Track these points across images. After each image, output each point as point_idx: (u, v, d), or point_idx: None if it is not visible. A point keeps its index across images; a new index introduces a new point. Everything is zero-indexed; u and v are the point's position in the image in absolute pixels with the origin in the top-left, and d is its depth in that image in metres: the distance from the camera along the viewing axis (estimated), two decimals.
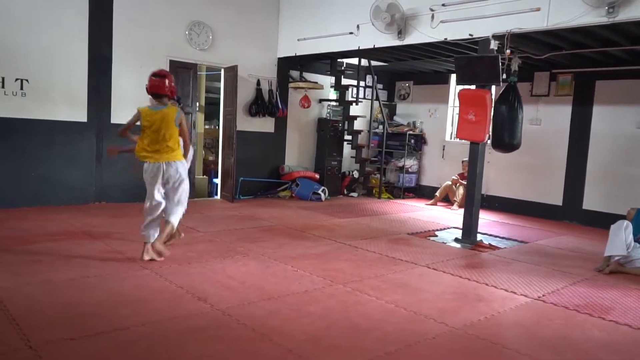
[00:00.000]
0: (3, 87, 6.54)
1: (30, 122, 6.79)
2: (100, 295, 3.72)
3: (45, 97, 6.89)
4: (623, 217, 5.49)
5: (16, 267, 4.24)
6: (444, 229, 7.27)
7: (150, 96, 4.70)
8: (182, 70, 8.14)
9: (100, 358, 2.78)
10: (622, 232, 5.18)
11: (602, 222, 7.02)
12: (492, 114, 6.14)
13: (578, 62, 7.85)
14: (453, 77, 9.96)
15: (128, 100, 7.58)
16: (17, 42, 6.59)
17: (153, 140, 4.56)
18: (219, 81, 9.01)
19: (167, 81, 4.59)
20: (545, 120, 8.68)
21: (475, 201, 6.35)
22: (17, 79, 6.62)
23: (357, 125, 10.18)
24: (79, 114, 7.19)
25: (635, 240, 5.23)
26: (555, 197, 8.60)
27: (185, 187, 4.75)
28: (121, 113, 7.52)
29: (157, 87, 4.59)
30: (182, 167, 4.71)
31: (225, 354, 2.92)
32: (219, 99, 8.91)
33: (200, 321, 3.36)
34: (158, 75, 4.61)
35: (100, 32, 7.26)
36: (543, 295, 4.34)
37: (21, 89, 6.66)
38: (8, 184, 6.70)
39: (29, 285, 3.82)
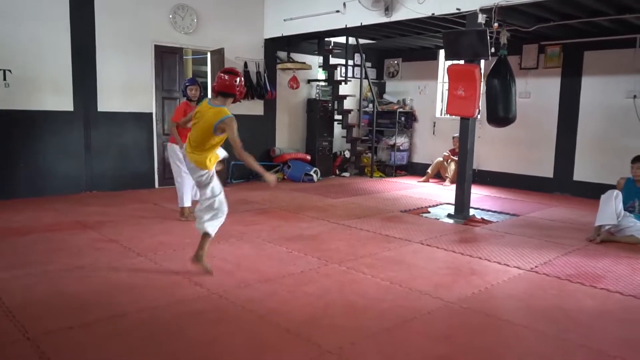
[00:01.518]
0: None
1: (16, 113, 6.70)
2: (96, 284, 3.72)
3: (29, 87, 6.78)
4: (613, 187, 5.55)
5: (11, 259, 4.23)
6: (437, 205, 7.31)
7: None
8: (167, 55, 8.04)
9: (99, 345, 2.79)
10: (612, 201, 5.23)
11: (593, 192, 7.08)
12: (481, 88, 6.14)
13: (566, 34, 7.83)
14: (442, 52, 9.91)
15: (114, 87, 7.51)
16: None
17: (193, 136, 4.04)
18: (206, 65, 8.91)
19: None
20: (535, 93, 8.68)
21: (466, 176, 6.37)
22: None
23: (347, 104, 10.15)
24: (65, 104, 7.10)
25: (625, 209, 5.30)
26: (546, 169, 8.66)
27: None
28: (108, 101, 7.46)
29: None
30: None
31: (224, 337, 2.94)
32: (207, 82, 8.82)
33: (198, 305, 3.38)
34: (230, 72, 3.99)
35: (82, 20, 7.13)
36: (536, 267, 4.40)
37: (4, 79, 6.55)
38: None
39: (24, 277, 3.81)
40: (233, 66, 3.97)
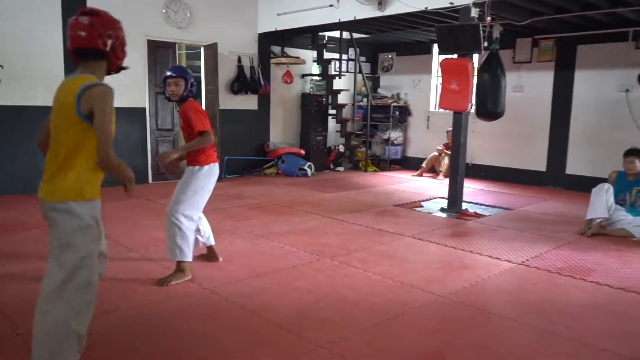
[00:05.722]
0: None
1: (8, 109, 6.67)
2: None
3: (22, 83, 6.74)
4: (605, 180, 5.57)
5: (3, 255, 4.22)
6: (430, 199, 7.33)
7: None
8: (161, 49, 8.01)
9: (89, 342, 2.79)
10: (603, 194, 5.26)
11: (585, 186, 7.10)
12: (474, 82, 6.14)
13: (559, 27, 7.84)
14: (436, 47, 9.91)
15: (107, 82, 7.46)
16: None
17: (51, 147, 2.37)
18: (200, 59, 8.88)
19: (100, 23, 2.35)
20: (528, 87, 8.70)
21: (459, 170, 6.39)
22: None
23: (341, 99, 10.13)
24: None
25: (616, 203, 5.33)
26: (539, 163, 8.69)
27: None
28: None
29: (80, 36, 2.31)
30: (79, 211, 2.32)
31: (215, 332, 2.95)
32: (200, 77, 8.79)
33: (189, 301, 3.39)
34: (86, 13, 2.40)
35: (74, 14, 7.07)
36: (527, 260, 4.43)
37: None
38: None
39: (16, 273, 3.81)
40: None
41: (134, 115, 7.80)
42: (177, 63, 8.57)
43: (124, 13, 7.35)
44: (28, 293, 3.45)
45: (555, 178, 8.51)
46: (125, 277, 3.79)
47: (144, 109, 7.90)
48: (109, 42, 2.29)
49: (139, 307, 3.27)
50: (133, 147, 7.81)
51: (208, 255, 4.20)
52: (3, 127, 6.66)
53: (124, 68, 2.52)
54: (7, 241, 4.68)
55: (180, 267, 3.73)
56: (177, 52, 8.49)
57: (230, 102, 8.84)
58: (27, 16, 6.70)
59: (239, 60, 8.93)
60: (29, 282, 3.64)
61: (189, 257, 3.73)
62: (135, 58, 7.71)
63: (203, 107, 8.51)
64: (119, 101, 7.70)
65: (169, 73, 3.77)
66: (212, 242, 4.14)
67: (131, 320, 3.09)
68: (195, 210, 3.78)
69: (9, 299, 3.33)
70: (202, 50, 8.56)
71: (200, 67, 8.87)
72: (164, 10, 7.91)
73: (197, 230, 4.01)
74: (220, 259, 4.20)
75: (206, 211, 4.24)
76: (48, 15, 6.86)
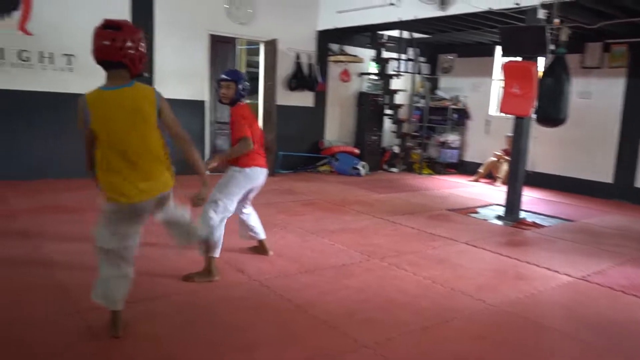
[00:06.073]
0: (52, 62, 6.75)
1: (77, 97, 6.98)
2: (142, 265, 3.81)
3: (91, 73, 6.89)
4: None
5: (61, 235, 4.42)
6: (486, 205, 7.11)
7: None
8: (222, 44, 8.19)
9: (139, 323, 2.88)
10: None
11: None
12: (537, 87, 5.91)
13: (633, 32, 7.41)
14: (498, 49, 9.61)
15: (170, 75, 7.69)
16: (62, 19, 6.75)
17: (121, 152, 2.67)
18: (259, 55, 9.00)
19: (122, 37, 2.51)
20: (596, 94, 8.28)
21: (518, 178, 6.17)
22: (64, 55, 6.81)
23: (398, 99, 10.02)
24: None
25: None
26: (605, 174, 8.25)
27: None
28: (163, 88, 7.56)
29: (105, 49, 2.54)
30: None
31: (260, 324, 2.97)
32: (259, 73, 8.91)
33: (238, 291, 3.44)
34: (109, 27, 2.56)
35: (142, 7, 7.34)
36: (587, 275, 4.21)
37: (69, 64, 6.85)
38: (59, 156, 6.94)
39: (74, 253, 3.97)
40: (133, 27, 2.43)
41: (194, 107, 8.00)
42: (236, 58, 8.73)
43: (188, 8, 7.68)
44: (87, 272, 3.58)
45: (622, 191, 8.06)
46: (179, 264, 3.88)
47: (204, 102, 8.09)
48: (130, 54, 2.50)
49: (188, 293, 3.34)
50: (192, 139, 7.99)
51: (259, 248, 4.25)
52: (71, 114, 6.97)
53: (141, 76, 2.69)
54: (67, 222, 4.89)
55: (209, 266, 3.63)
56: (237, 47, 8.66)
57: (287, 98, 8.91)
58: (98, 10, 6.98)
59: (298, 56, 8.99)
60: (88, 262, 3.78)
61: (215, 253, 3.68)
62: (198, 52, 7.92)
63: (260, 102, 8.70)
64: (180, 93, 8.00)
65: (222, 76, 3.90)
66: (262, 236, 4.20)
67: (180, 305, 3.16)
68: (228, 208, 3.75)
69: (68, 278, 3.49)
70: (261, 46, 8.68)
71: (258, 62, 9.00)
72: (226, 6, 8.07)
73: (246, 225, 4.11)
74: (271, 252, 4.24)
75: (258, 205, 4.29)
76: (117, 8, 7.12)
